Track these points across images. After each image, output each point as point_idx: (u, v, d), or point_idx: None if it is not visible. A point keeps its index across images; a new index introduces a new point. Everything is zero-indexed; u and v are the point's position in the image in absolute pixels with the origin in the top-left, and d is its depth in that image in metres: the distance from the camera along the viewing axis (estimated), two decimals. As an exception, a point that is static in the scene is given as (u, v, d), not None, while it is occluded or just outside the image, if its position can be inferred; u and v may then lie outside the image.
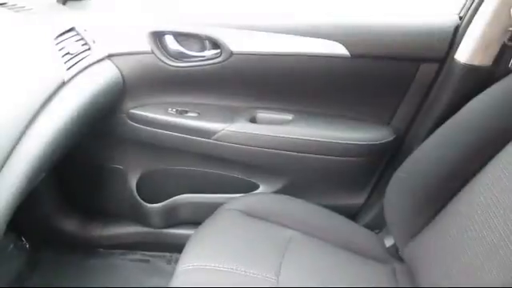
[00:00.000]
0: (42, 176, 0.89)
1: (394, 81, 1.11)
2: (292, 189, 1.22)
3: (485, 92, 0.90)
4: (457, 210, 0.86)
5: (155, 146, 1.21)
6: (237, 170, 1.24)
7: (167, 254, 1.38)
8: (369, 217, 1.26)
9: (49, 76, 0.86)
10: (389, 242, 1.13)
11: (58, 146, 0.85)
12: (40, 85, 0.83)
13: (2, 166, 0.68)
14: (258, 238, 0.99)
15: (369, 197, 1.26)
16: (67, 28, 0.99)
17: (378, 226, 1.24)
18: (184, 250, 0.95)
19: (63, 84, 0.90)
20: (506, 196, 0.74)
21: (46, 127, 0.81)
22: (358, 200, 1.27)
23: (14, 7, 0.94)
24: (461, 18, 1.04)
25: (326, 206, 1.13)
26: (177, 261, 0.94)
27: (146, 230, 1.37)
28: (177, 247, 1.04)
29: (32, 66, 0.84)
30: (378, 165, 1.20)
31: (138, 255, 1.38)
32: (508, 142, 0.81)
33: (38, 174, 0.81)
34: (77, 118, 0.91)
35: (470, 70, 1.00)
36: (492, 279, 0.67)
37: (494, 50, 0.98)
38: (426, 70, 1.08)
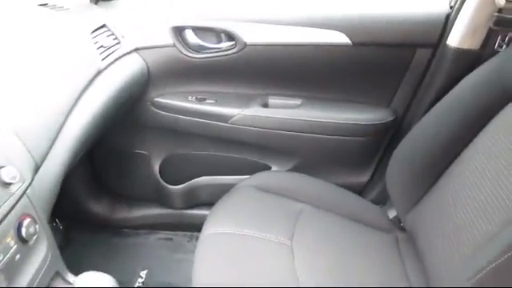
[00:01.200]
0: (79, 156, 1.00)
1: (392, 66, 1.22)
2: (301, 169, 1.32)
3: (474, 72, 1.00)
4: (451, 178, 0.96)
5: (177, 132, 1.33)
6: (251, 152, 1.35)
7: (188, 233, 1.50)
8: (374, 193, 1.37)
9: (88, 65, 0.99)
10: (392, 213, 1.23)
11: (94, 130, 0.96)
12: (81, 72, 0.96)
13: (53, 144, 0.80)
14: (272, 210, 1.10)
15: (373, 174, 1.37)
16: (100, 24, 1.12)
17: (382, 201, 1.35)
18: (206, 220, 1.06)
19: (99, 72, 1.02)
20: (493, 162, 0.84)
21: (85, 111, 0.94)
22: (364, 178, 1.38)
23: (54, 7, 1.07)
24: (451, 8, 1.15)
25: (335, 188, 1.24)
26: (197, 238, 1.03)
27: (168, 211, 1.48)
28: (196, 226, 1.14)
29: (74, 56, 0.97)
30: (380, 144, 1.31)
31: (162, 234, 1.49)
32: (494, 116, 0.92)
33: (78, 153, 0.92)
34: (109, 104, 1.03)
35: (461, 53, 1.11)
36: (482, 233, 0.76)
37: (482, 35, 1.09)
38: (421, 55, 1.19)
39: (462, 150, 0.96)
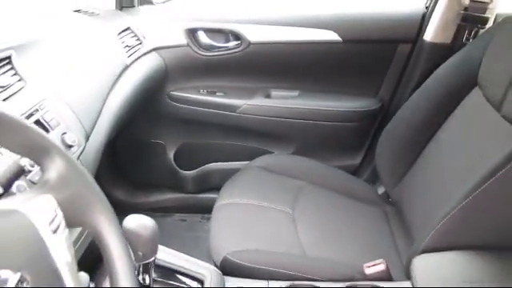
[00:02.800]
0: (115, 132, 1.14)
1: (378, 59, 1.40)
2: (300, 153, 1.49)
3: (445, 62, 1.18)
4: (429, 155, 1.13)
5: (190, 123, 1.51)
6: (255, 139, 1.52)
7: (199, 215, 1.65)
8: (366, 173, 1.54)
9: (117, 60, 1.17)
10: (381, 190, 1.40)
11: (124, 112, 1.14)
12: (113, 65, 1.14)
13: (98, 117, 0.97)
14: (275, 186, 1.26)
15: (365, 156, 1.55)
16: (125, 27, 1.30)
17: (373, 180, 1.52)
18: (219, 194, 1.23)
19: (126, 67, 1.20)
20: (462, 138, 1.02)
21: (118, 95, 1.11)
22: (356, 160, 1.55)
23: (86, 13, 1.25)
24: (427, 8, 1.35)
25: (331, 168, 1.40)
26: (208, 219, 1.18)
27: (182, 195, 1.65)
28: (207, 208, 1.29)
29: (106, 53, 1.15)
30: (369, 128, 1.49)
31: (177, 216, 1.65)
32: (464, 98, 1.09)
33: (115, 130, 1.09)
34: (134, 93, 1.21)
35: (435, 46, 1.30)
36: (453, 190, 0.90)
37: (452, 30, 1.28)
38: (402, 49, 1.38)
39: (436, 129, 1.13)
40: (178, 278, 0.85)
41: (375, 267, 0.94)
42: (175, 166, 1.60)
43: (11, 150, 0.47)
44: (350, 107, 1.43)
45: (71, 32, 1.09)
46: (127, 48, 1.25)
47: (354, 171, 1.56)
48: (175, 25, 1.41)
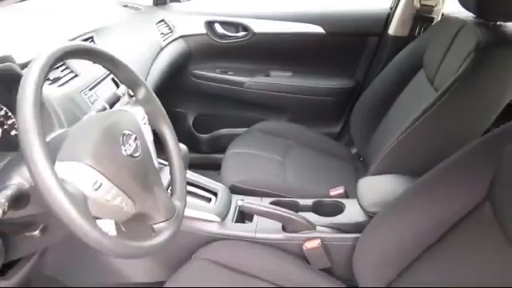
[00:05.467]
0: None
1: (353, 48, 1.81)
2: (292, 121, 1.90)
3: (402, 50, 1.57)
4: (388, 118, 1.52)
5: (206, 95, 1.92)
6: (256, 109, 1.93)
7: (211, 171, 2.05)
8: (344, 139, 1.94)
9: (156, 44, 1.59)
10: (354, 150, 1.80)
11: (156, 88, 1.52)
12: (154, 47, 1.55)
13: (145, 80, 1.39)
14: (271, 143, 1.65)
15: (343, 126, 1.95)
16: (160, 19, 1.72)
17: (350, 145, 1.92)
18: (228, 147, 1.62)
19: (162, 49, 1.62)
20: (410, 101, 1.41)
21: (158, 67, 1.51)
22: (336, 128, 1.96)
23: (132, 8, 1.67)
24: (391, 9, 1.74)
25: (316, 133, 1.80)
26: (219, 174, 1.54)
27: (198, 155, 2.06)
28: (218, 166, 1.61)
29: (148, 38, 1.57)
30: (347, 102, 1.89)
31: (192, 172, 2.06)
32: (413, 77, 1.48)
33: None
34: (165, 71, 1.61)
35: (396, 39, 1.70)
36: (396, 133, 1.29)
37: (408, 26, 1.68)
38: (372, 40, 1.78)
39: (394, 100, 1.52)
40: (197, 190, 1.23)
41: (337, 190, 1.35)
42: (193, 130, 2.01)
43: (120, 81, 0.88)
44: (331, 85, 1.84)
45: (124, 21, 1.52)
46: (162, 35, 1.67)
47: (336, 137, 1.96)
48: (197, 18, 1.82)
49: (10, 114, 0.90)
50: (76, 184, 0.62)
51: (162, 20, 1.73)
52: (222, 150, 2.00)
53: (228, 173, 1.47)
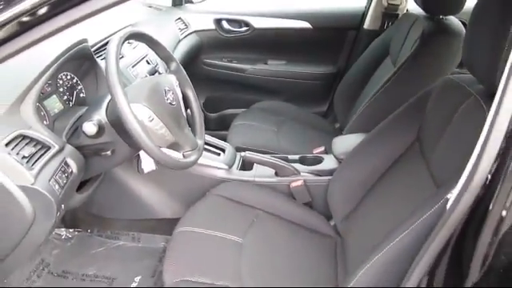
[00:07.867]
0: None
1: (335, 40, 2.21)
2: (286, 101, 2.27)
3: (373, 41, 1.95)
4: (364, 93, 1.91)
5: (215, 80, 2.31)
6: (256, 92, 2.31)
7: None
8: (330, 117, 2.32)
9: (175, 37, 1.98)
10: (337, 125, 2.18)
11: None
12: (173, 39, 1.94)
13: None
14: (268, 118, 2.03)
15: (329, 105, 2.33)
16: (177, 17, 2.11)
17: (335, 121, 2.29)
18: (228, 135, 2.01)
19: (179, 41, 2.01)
20: (377, 81, 1.79)
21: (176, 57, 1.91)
22: (324, 107, 2.35)
23: (155, 8, 2.07)
24: (365, 7, 2.13)
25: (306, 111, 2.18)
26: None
27: (207, 131, 2.43)
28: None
29: (169, 32, 1.96)
30: (332, 86, 2.28)
31: (204, 145, 2.45)
32: (381, 63, 1.86)
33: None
34: (182, 59, 2.00)
35: (370, 32, 2.08)
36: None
37: (379, 21, 2.06)
38: (351, 34, 2.18)
39: (366, 82, 1.90)
40: (210, 148, 1.60)
41: (319, 149, 1.71)
42: (204, 110, 2.40)
43: (159, 57, 1.26)
44: (318, 71, 2.23)
45: (150, 18, 1.91)
46: (179, 30, 2.06)
47: (323, 115, 2.34)
48: (207, 16, 2.22)
49: (79, 82, 1.30)
50: (138, 116, 1.01)
51: (179, 18, 2.13)
52: (228, 128, 2.40)
53: (233, 138, 1.83)
